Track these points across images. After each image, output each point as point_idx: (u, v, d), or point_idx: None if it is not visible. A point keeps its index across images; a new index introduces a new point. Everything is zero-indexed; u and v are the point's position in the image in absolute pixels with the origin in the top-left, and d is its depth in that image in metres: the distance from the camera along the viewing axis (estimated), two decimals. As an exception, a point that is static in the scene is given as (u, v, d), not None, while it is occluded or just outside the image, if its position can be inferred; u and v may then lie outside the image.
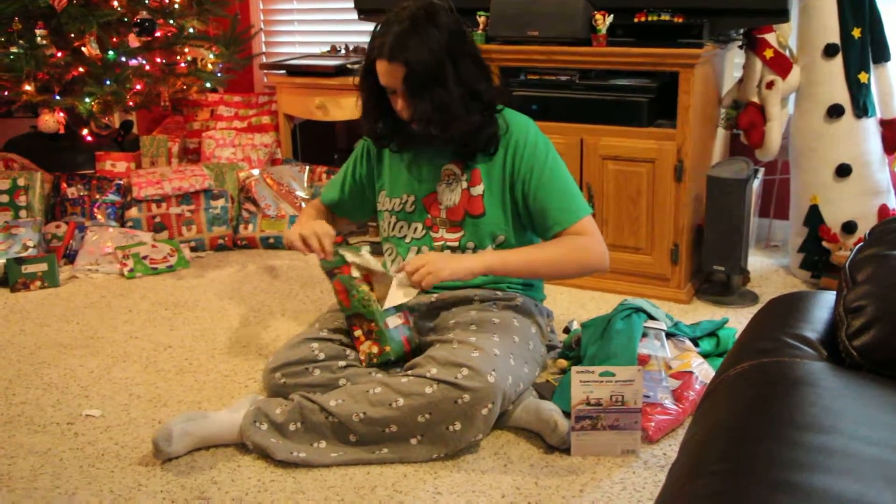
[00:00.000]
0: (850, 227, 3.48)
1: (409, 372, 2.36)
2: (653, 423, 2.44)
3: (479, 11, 3.62)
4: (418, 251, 2.69)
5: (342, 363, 2.49)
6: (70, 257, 4.01)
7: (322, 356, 2.50)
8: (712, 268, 3.46)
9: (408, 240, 2.72)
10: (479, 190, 2.62)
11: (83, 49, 4.18)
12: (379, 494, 2.21)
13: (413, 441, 2.33)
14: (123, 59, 4.31)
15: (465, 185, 2.63)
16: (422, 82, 2.43)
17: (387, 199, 2.75)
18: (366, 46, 4.69)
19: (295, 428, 2.35)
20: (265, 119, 4.95)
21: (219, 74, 4.78)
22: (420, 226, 2.70)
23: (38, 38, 4.04)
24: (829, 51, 3.40)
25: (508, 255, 2.56)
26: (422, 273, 2.42)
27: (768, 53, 3.48)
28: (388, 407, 2.31)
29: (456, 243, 2.65)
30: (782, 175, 4.02)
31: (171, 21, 4.53)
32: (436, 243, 2.67)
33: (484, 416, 2.31)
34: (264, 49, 5.38)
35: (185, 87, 4.74)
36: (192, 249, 4.18)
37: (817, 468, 1.16)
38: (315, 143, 5.02)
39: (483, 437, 2.40)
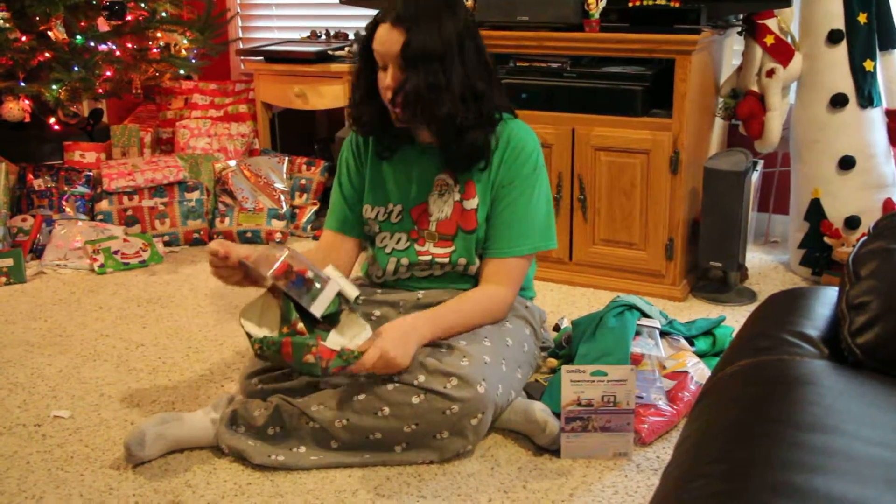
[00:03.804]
0: (853, 223, 3.49)
1: (396, 378, 2.34)
2: (646, 425, 2.45)
3: (466, -5, 3.63)
4: (397, 263, 2.65)
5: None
6: (37, 252, 4.00)
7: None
8: (709, 264, 3.47)
9: (388, 250, 2.67)
10: (472, 203, 2.57)
11: (49, 33, 4.15)
12: (361, 498, 2.21)
13: (398, 448, 2.34)
14: (92, 43, 4.29)
15: (457, 196, 2.59)
16: (421, 54, 2.36)
17: (368, 208, 2.69)
18: (347, 32, 4.74)
19: (274, 432, 2.35)
20: (242, 108, 4.94)
21: (193, 61, 4.75)
22: (404, 237, 2.65)
23: (1, 21, 4.01)
24: (834, 37, 3.41)
25: (436, 326, 2.45)
26: (381, 371, 2.30)
27: (769, 40, 3.49)
28: (374, 416, 2.30)
29: (446, 259, 2.60)
30: (782, 167, 4.04)
31: (143, 4, 4.52)
32: (421, 257, 2.62)
33: (474, 426, 2.31)
34: (241, 34, 5.36)
35: (157, 73, 4.72)
36: (166, 244, 4.17)
37: (818, 469, 1.17)
38: (294, 133, 5.01)
39: (473, 447, 2.40)
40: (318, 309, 2.32)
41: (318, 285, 2.31)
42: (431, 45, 2.36)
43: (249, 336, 2.31)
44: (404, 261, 2.64)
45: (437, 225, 2.61)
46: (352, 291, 2.40)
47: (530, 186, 2.56)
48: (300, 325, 2.27)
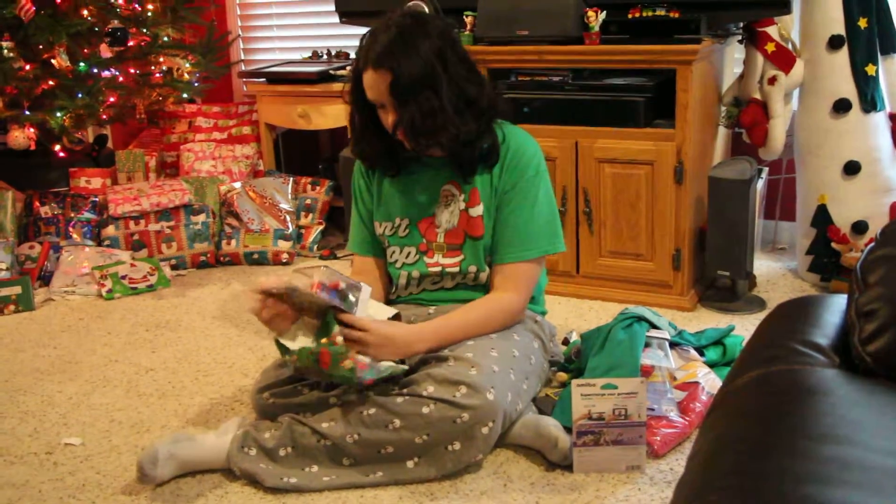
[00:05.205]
0: (860, 227, 3.48)
1: (405, 391, 2.34)
2: (658, 437, 2.44)
3: (465, 11, 3.63)
4: (408, 276, 2.69)
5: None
6: (45, 279, 4.00)
7: (311, 374, 2.49)
8: (716, 273, 3.46)
9: (398, 265, 2.71)
10: (478, 210, 2.60)
11: (53, 61, 4.17)
12: (374, 520, 2.21)
13: (410, 463, 2.33)
14: (95, 70, 4.31)
15: (462, 205, 2.61)
16: (409, 87, 2.39)
17: (377, 224, 2.73)
18: (348, 51, 4.75)
19: (285, 453, 2.34)
20: (246, 129, 4.95)
21: (196, 84, 4.77)
22: (413, 250, 2.68)
23: (5, 51, 4.03)
24: (835, 43, 3.41)
25: (439, 340, 2.49)
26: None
27: (770, 47, 3.49)
28: (385, 428, 2.30)
29: (457, 268, 2.63)
30: (787, 174, 4.03)
31: (145, 30, 4.53)
32: (430, 269, 2.65)
33: (485, 435, 2.30)
34: (243, 56, 5.38)
35: (160, 98, 4.74)
36: (173, 267, 4.17)
37: (832, 481, 1.16)
38: (299, 153, 5.02)
39: (484, 458, 2.40)
40: (359, 313, 2.37)
41: (352, 297, 2.35)
42: (417, 73, 2.39)
43: (286, 350, 2.35)
44: (415, 273, 2.68)
45: (445, 235, 2.64)
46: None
47: (534, 189, 2.59)
48: (339, 339, 2.29)
